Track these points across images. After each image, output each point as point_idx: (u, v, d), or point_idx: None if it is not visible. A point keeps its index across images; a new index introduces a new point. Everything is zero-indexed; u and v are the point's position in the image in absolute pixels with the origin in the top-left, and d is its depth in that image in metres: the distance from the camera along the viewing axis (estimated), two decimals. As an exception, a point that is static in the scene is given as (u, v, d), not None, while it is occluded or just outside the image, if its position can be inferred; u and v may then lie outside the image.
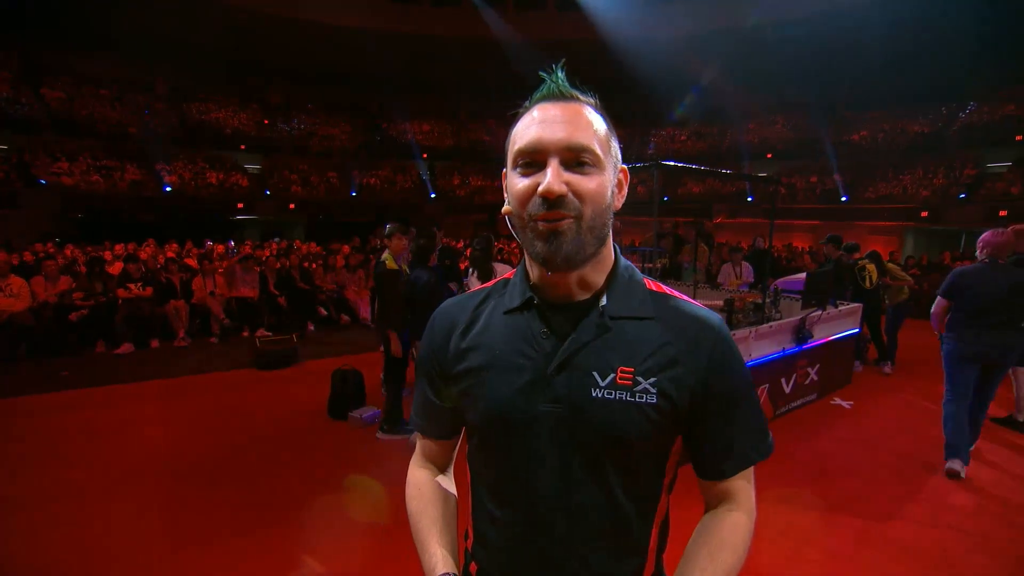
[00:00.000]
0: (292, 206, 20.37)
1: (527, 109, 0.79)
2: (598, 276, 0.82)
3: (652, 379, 0.77)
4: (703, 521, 0.86)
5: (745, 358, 4.06)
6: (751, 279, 6.84)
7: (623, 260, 0.86)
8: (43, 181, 15.64)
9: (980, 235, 3.59)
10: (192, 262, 8.77)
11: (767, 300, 4.52)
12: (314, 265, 9.13)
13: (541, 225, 0.73)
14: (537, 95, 0.80)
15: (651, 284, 0.86)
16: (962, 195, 16.86)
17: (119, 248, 11.02)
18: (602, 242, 0.79)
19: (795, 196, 20.49)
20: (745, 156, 22.13)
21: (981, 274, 3.50)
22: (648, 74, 21.74)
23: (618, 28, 19.47)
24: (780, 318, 4.61)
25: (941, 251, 14.25)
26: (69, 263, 8.34)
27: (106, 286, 6.84)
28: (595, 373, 0.77)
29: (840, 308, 5.30)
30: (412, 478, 0.97)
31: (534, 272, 0.83)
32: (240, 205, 19.27)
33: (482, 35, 19.98)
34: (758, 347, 4.25)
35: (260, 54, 20.77)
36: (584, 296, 0.82)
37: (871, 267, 5.94)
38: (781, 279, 5.45)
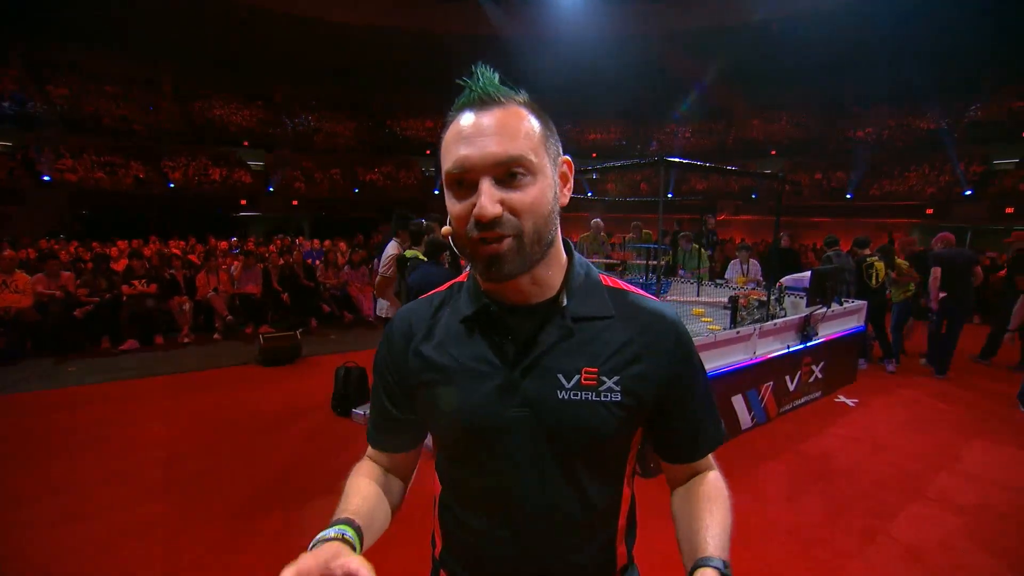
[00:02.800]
0: (295, 203, 20.40)
1: (453, 117, 0.74)
2: (553, 275, 0.80)
3: (616, 377, 0.77)
4: (683, 491, 0.87)
5: (749, 356, 4.07)
6: (759, 277, 6.81)
7: (577, 256, 0.84)
8: (48, 178, 15.71)
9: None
10: (195, 258, 8.79)
11: (772, 297, 4.50)
12: (317, 262, 9.15)
13: (480, 251, 0.71)
14: (460, 100, 0.74)
15: (607, 280, 0.86)
16: (968, 192, 16.74)
17: (123, 244, 11.06)
18: (550, 244, 0.76)
19: (800, 193, 20.40)
20: (750, 153, 22.04)
21: (951, 253, 5.68)
22: (653, 70, 21.65)
23: (622, 24, 19.38)
24: (785, 315, 4.59)
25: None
26: (74, 259, 8.38)
27: (111, 283, 6.87)
28: (560, 375, 0.76)
29: (845, 306, 5.28)
30: (353, 471, 0.91)
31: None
32: (243, 202, 19.33)
33: (486, 31, 19.91)
34: (763, 344, 4.22)
35: (264, 51, 20.77)
36: (541, 297, 0.79)
37: (879, 265, 5.92)
38: (787, 277, 5.43)
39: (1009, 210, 14.98)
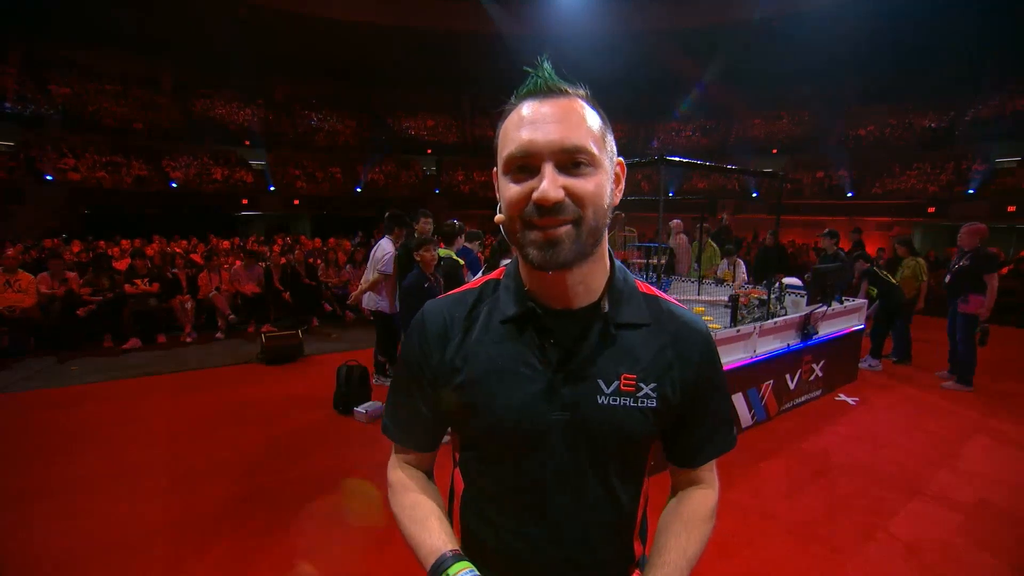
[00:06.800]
0: (296, 202, 20.40)
1: (514, 106, 0.74)
2: (597, 280, 0.80)
3: (653, 384, 0.79)
4: (676, 498, 0.92)
5: (749, 354, 4.07)
6: (745, 278, 6.80)
7: (617, 262, 0.85)
8: (50, 177, 15.72)
9: (989, 231, 4.58)
10: (197, 258, 8.80)
11: (772, 296, 4.50)
12: (318, 261, 9.16)
13: (536, 235, 0.70)
14: (523, 90, 0.74)
15: (643, 287, 0.87)
16: (970, 191, 16.71)
17: (125, 243, 11.06)
18: (599, 241, 0.75)
19: (801, 191, 20.36)
20: (750, 151, 22.00)
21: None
22: (653, 68, 21.62)
23: (623, 23, 19.36)
24: (785, 314, 4.60)
25: (948, 247, 14.12)
26: (76, 261, 8.38)
27: (113, 281, 6.88)
28: (600, 381, 0.78)
29: (845, 304, 5.28)
30: (396, 476, 0.92)
31: (527, 276, 0.81)
32: (244, 201, 19.32)
33: (487, 29, 19.89)
34: (763, 343, 4.23)
35: (265, 49, 20.74)
36: (584, 301, 0.79)
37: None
38: (788, 277, 5.44)
39: (1011, 208, 14.94)
